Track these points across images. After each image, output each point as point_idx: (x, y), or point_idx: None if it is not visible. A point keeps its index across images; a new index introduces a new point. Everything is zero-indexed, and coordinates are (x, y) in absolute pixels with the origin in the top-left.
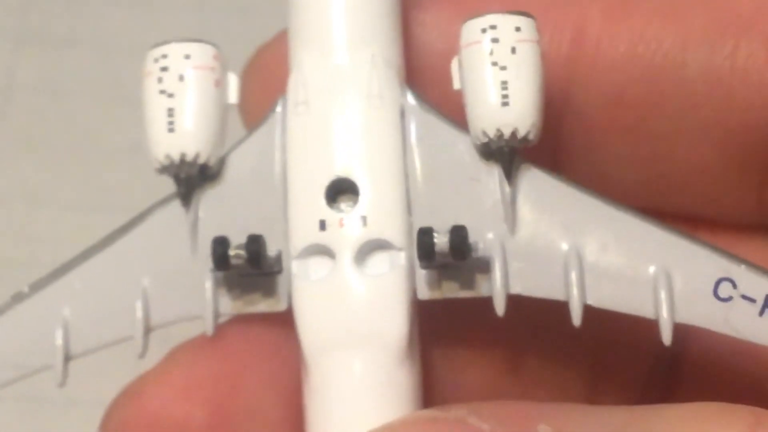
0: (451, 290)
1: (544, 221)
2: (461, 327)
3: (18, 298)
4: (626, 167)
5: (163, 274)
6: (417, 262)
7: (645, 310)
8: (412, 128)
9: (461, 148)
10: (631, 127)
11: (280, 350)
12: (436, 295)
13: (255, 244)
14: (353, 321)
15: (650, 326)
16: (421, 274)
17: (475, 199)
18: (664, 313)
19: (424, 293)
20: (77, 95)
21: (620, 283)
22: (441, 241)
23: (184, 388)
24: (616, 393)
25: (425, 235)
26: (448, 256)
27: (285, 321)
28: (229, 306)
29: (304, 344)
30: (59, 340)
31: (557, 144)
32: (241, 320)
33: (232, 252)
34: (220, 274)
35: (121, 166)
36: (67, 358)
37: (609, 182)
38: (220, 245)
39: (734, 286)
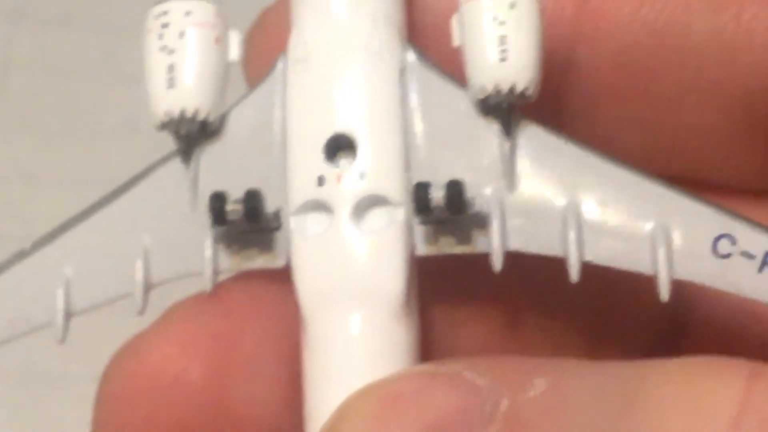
0: (449, 246)
1: (542, 177)
2: (460, 284)
3: (19, 255)
4: (630, 130)
5: (163, 231)
6: (415, 219)
7: (643, 267)
8: (413, 85)
9: (461, 105)
10: (634, 90)
11: (280, 307)
12: (434, 250)
13: (253, 198)
14: (350, 276)
15: (653, 288)
16: (419, 230)
17: (473, 155)
18: (662, 270)
19: (422, 249)
20: (73, 73)
21: (618, 239)
22: (437, 195)
23: (182, 343)
24: (617, 357)
25: (421, 190)
26: (444, 210)
27: (285, 278)
28: (228, 262)
29: (301, 300)
30: (60, 297)
31: (560, 106)
32: (241, 278)
33: (229, 207)
34: (220, 230)
35: (117, 144)
36: (68, 314)
37: (612, 145)
38: (218, 200)
39: (733, 242)
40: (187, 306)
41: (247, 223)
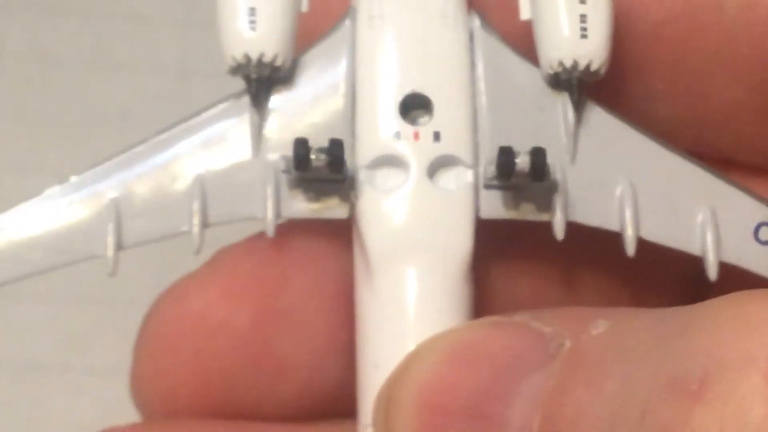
0: (513, 211)
1: (603, 155)
2: (513, 245)
3: (66, 187)
4: (661, 104)
5: (222, 172)
6: (482, 182)
7: (692, 247)
8: (479, 52)
9: (525, 75)
10: (668, 64)
11: (324, 259)
12: (498, 214)
13: (338, 148)
14: (423, 232)
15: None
16: (484, 194)
17: (538, 126)
18: (711, 252)
19: (487, 212)
20: (67, 63)
21: (670, 219)
22: (522, 160)
23: (227, 289)
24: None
25: (507, 154)
26: (525, 176)
27: (329, 232)
28: (288, 210)
29: (370, 251)
30: (112, 229)
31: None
32: (286, 228)
33: (312, 155)
34: (282, 177)
35: (110, 134)
36: (119, 247)
37: (644, 118)
38: (302, 147)
39: None
40: (234, 252)
41: (328, 172)
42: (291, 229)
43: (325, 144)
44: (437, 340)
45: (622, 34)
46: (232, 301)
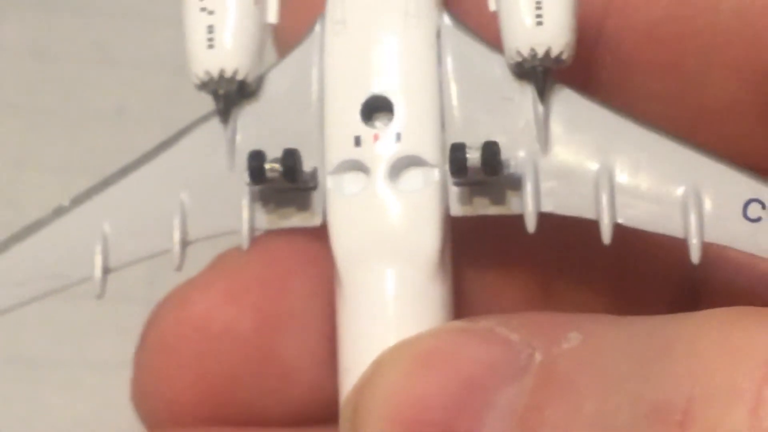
0: (483, 207)
1: (575, 140)
2: (492, 246)
3: (59, 211)
4: (656, 104)
5: (200, 189)
6: (450, 180)
7: (674, 230)
8: (448, 49)
9: (496, 68)
10: (662, 63)
11: (321, 261)
12: (468, 211)
13: (290, 158)
14: (386, 235)
15: (675, 251)
16: (454, 191)
17: (508, 118)
18: (694, 233)
19: (457, 210)
20: (62, 58)
21: (650, 202)
22: (473, 156)
23: (230, 292)
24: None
25: (458, 151)
26: (480, 172)
27: (323, 235)
28: (265, 221)
29: (337, 257)
30: (99, 253)
31: (588, 77)
32: (284, 232)
33: (267, 165)
34: (257, 188)
35: (106, 129)
36: (106, 270)
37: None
38: (256, 159)
39: (763, 206)
40: (234, 256)
41: (285, 181)
42: (289, 232)
43: (278, 156)
44: (402, 348)
45: (617, 35)
46: (235, 304)
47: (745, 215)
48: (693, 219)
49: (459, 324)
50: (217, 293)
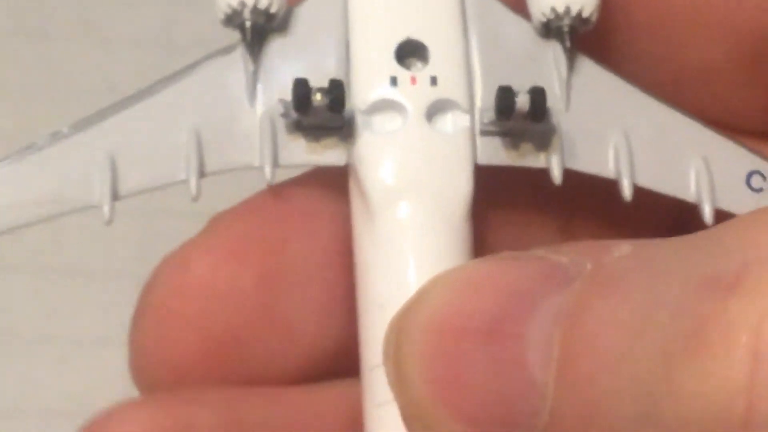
0: (510, 158)
1: (595, 105)
2: (513, 198)
3: (57, 136)
4: (638, 67)
5: (218, 121)
6: (478, 128)
7: (687, 194)
8: (468, 2)
9: (516, 27)
10: (644, 26)
11: (322, 215)
12: (496, 160)
13: (339, 87)
14: (423, 173)
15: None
16: (480, 140)
17: (530, 75)
18: (706, 199)
19: (484, 158)
20: (53, 36)
21: (664, 167)
22: (522, 99)
23: (230, 251)
24: None
25: (506, 92)
26: (524, 117)
27: (323, 189)
28: (286, 156)
29: (370, 193)
30: (107, 178)
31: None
32: (282, 187)
33: (314, 95)
34: (278, 125)
35: (95, 107)
36: (115, 196)
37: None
38: (302, 86)
39: (764, 178)
40: (232, 215)
41: (328, 112)
42: (287, 187)
43: (324, 86)
44: (451, 273)
45: None
46: (236, 262)
47: (748, 185)
48: (705, 185)
49: (510, 252)
50: (218, 252)
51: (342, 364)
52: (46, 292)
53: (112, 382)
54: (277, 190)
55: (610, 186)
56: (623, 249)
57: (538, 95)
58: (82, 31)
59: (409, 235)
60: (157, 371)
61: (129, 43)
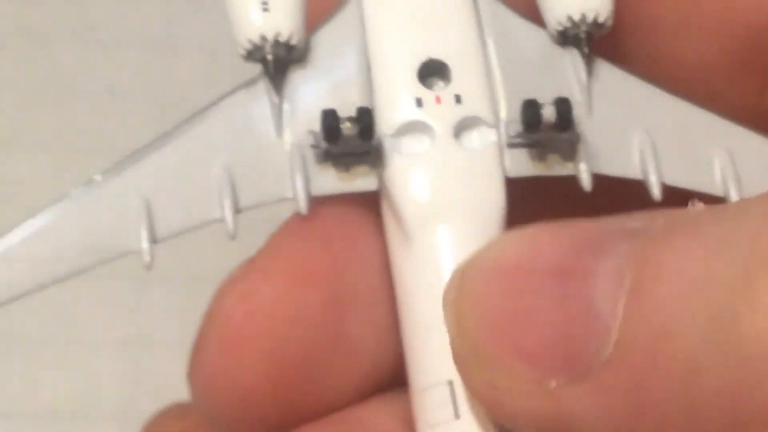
0: (538, 168)
1: (616, 106)
2: (540, 211)
3: (91, 185)
4: (631, 63)
5: (247, 156)
6: (504, 141)
7: (714, 189)
8: (484, 15)
9: (532, 36)
10: (636, 23)
11: (371, 230)
12: (525, 171)
13: (367, 115)
14: (456, 192)
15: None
16: (507, 153)
17: (550, 83)
18: (734, 193)
19: (512, 170)
20: (52, 38)
21: (689, 163)
22: (548, 111)
23: (294, 275)
24: None
25: (533, 105)
26: (551, 127)
27: (362, 203)
28: (318, 186)
29: (406, 217)
30: (144, 222)
31: None
32: (328, 202)
33: (342, 124)
34: (307, 154)
35: (95, 109)
36: (153, 240)
37: None
38: (331, 117)
39: None
40: (289, 237)
41: (359, 140)
42: (333, 203)
43: (352, 114)
44: (518, 230)
45: None
46: (302, 288)
47: None
48: (731, 179)
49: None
50: (282, 279)
51: (400, 379)
52: (46, 294)
53: (112, 384)
54: (326, 208)
55: (637, 193)
56: (696, 204)
57: (564, 106)
58: (82, 33)
59: (448, 254)
60: (227, 399)
61: (128, 44)
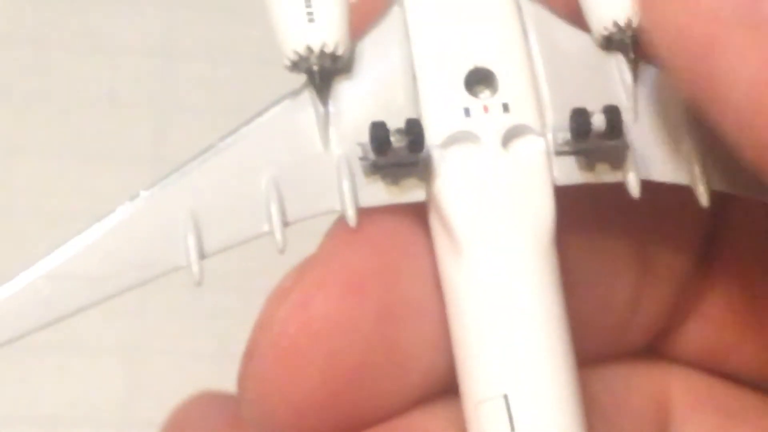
0: (587, 176)
1: (662, 111)
2: (588, 221)
3: (137, 200)
4: None
5: (293, 168)
6: (552, 149)
7: (763, 193)
8: (528, 21)
9: (576, 41)
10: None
11: (421, 241)
12: (573, 179)
13: (417, 126)
14: (507, 202)
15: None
16: (555, 161)
17: (596, 89)
18: None
19: (561, 179)
20: (53, 44)
21: (737, 168)
22: (598, 119)
23: (346, 285)
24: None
25: (582, 115)
26: (600, 135)
27: (411, 213)
28: (366, 197)
29: (456, 228)
30: (192, 237)
31: None
32: (377, 213)
33: (392, 136)
34: (355, 166)
35: (97, 114)
36: (201, 255)
37: None
38: (381, 128)
39: None
40: (338, 245)
41: (408, 152)
42: (383, 213)
43: (399, 126)
44: None
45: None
46: (356, 298)
47: None
48: None
49: None
50: (335, 288)
51: (451, 390)
52: None
53: (112, 390)
54: (378, 219)
55: (683, 200)
56: None
57: (613, 114)
58: (83, 39)
59: (502, 262)
60: (282, 409)
61: (129, 50)
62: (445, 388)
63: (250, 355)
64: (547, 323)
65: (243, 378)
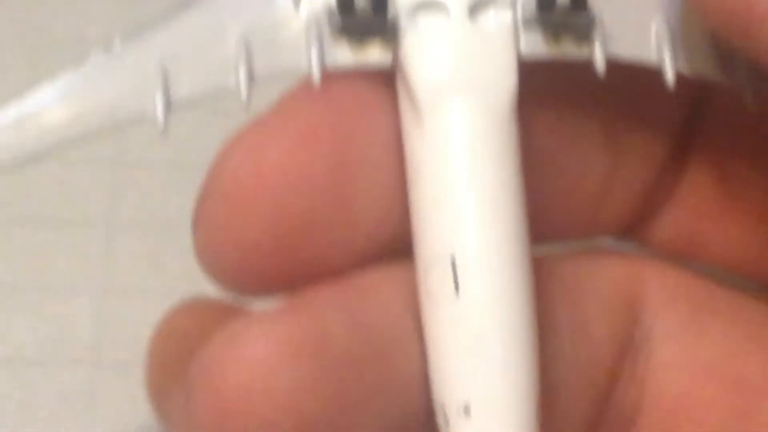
0: (552, 50)
1: None
2: (552, 98)
3: (109, 49)
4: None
5: (263, 27)
6: (520, 22)
7: (734, 78)
8: None
9: None
10: None
11: (384, 105)
12: (539, 52)
13: None
14: (469, 69)
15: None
16: (523, 34)
17: None
18: (747, 81)
19: (527, 51)
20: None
21: (708, 52)
22: None
23: (303, 137)
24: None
25: None
26: (565, 7)
27: (378, 82)
28: (333, 59)
29: (419, 93)
30: (159, 86)
31: None
32: (346, 79)
33: None
34: (324, 28)
35: (67, 59)
36: (168, 105)
37: None
38: None
39: None
40: (297, 99)
41: (372, 13)
42: (349, 77)
43: None
44: None
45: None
46: (309, 149)
47: None
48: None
49: None
50: (291, 138)
51: (399, 249)
52: (14, 241)
53: (82, 330)
54: (341, 80)
55: (650, 88)
56: None
57: None
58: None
59: (460, 130)
60: (229, 252)
61: None
62: (400, 253)
63: (202, 201)
64: (498, 192)
65: (195, 220)
